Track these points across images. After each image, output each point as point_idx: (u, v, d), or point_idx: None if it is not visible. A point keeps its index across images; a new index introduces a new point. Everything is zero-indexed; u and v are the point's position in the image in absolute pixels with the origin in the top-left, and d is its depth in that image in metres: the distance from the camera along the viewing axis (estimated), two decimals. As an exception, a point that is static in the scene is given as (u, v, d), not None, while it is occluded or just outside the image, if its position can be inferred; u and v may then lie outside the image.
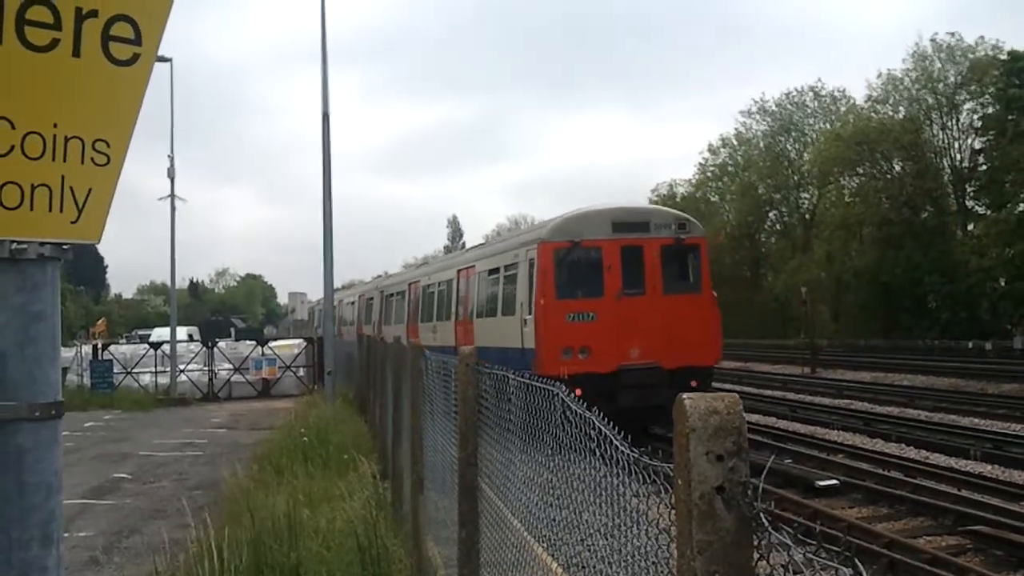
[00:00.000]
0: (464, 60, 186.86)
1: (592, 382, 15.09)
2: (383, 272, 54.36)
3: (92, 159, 2.40)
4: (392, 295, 32.15)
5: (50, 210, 2.33)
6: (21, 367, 2.29)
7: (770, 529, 1.52)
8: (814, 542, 1.46)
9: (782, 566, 1.52)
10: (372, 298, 36.60)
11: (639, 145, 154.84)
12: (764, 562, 1.59)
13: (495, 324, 19.55)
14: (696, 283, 18.27)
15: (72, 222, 2.38)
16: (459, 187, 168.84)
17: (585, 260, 17.52)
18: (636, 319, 16.89)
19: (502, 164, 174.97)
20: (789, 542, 1.48)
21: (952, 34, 50.13)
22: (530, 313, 17.49)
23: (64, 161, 2.34)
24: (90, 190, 2.41)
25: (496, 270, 20.15)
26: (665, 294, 17.48)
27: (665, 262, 17.81)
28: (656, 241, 17.74)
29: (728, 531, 1.58)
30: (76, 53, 2.31)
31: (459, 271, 23.27)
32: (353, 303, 41.21)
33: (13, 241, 2.28)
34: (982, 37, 49.20)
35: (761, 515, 1.54)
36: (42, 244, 2.32)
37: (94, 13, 2.33)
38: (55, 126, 2.32)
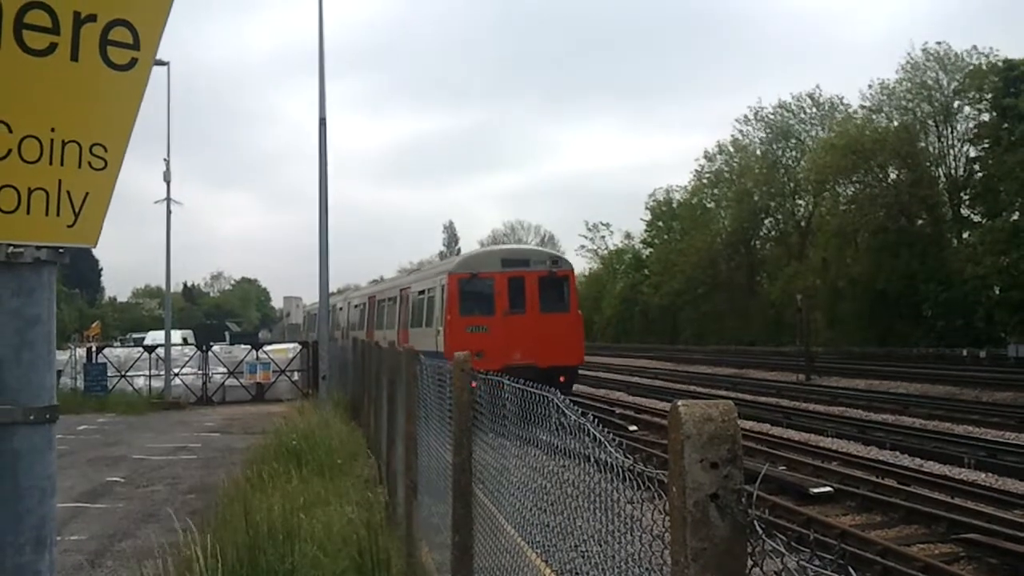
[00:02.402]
0: (463, 67, 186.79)
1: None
2: (380, 276, 55.00)
3: (89, 163, 2.40)
4: (357, 306, 37.56)
5: (47, 214, 2.33)
6: (16, 371, 2.29)
7: (764, 536, 1.53)
8: (808, 549, 1.47)
9: (776, 573, 1.52)
10: (342, 308, 40.80)
11: (636, 152, 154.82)
12: (758, 569, 1.59)
13: (421, 333, 24.54)
14: (565, 304, 23.64)
15: (69, 226, 2.38)
16: (457, 193, 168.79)
17: (481, 287, 23.05)
18: (518, 331, 22.00)
19: (500, 171, 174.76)
20: (783, 549, 1.48)
21: (940, 43, 50.44)
22: (441, 325, 23.03)
23: (61, 165, 2.34)
24: (87, 194, 2.40)
25: (423, 292, 25.93)
26: (541, 313, 22.84)
27: (541, 289, 23.20)
28: (534, 274, 23.26)
29: (722, 538, 1.59)
30: (74, 57, 2.32)
31: (401, 290, 29.25)
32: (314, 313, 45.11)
33: (9, 245, 2.28)
34: (974, 46, 49.48)
35: (755, 522, 1.55)
36: (38, 248, 2.32)
37: (92, 17, 2.33)
38: (53, 130, 2.32)
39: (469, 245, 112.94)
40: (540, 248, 31.65)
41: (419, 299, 26.24)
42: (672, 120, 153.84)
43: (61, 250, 2.38)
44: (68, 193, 2.37)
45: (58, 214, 2.35)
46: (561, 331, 22.46)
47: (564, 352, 22.26)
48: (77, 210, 2.39)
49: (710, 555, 1.58)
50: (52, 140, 2.32)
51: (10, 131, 2.25)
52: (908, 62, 51.28)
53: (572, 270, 25.29)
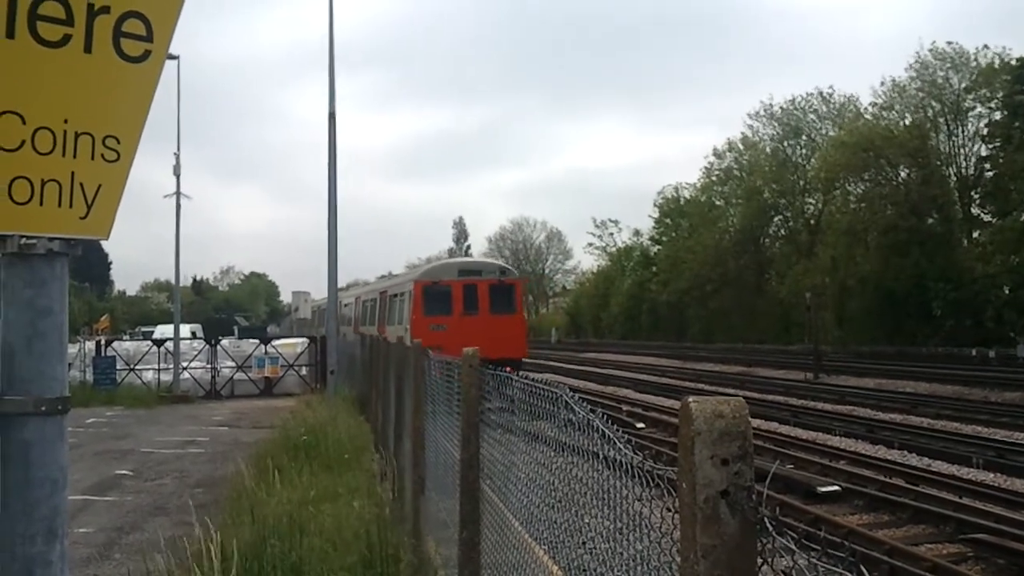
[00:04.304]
0: (471, 65, 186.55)
1: None
2: (388, 271, 55.54)
3: (102, 155, 2.40)
4: (347, 304, 41.13)
5: (59, 205, 2.34)
6: (28, 362, 2.30)
7: (774, 534, 1.52)
8: (818, 547, 1.46)
9: (783, 572, 1.52)
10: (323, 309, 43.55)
11: (643, 150, 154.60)
12: (767, 566, 1.59)
13: (394, 329, 28.02)
14: (512, 308, 27.87)
15: (81, 218, 2.39)
16: (466, 189, 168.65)
17: (441, 293, 27.07)
18: (471, 329, 24.50)
19: (507, 167, 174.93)
20: (793, 547, 1.48)
21: (950, 43, 50.22)
22: (409, 324, 26.80)
23: (74, 157, 2.35)
24: (100, 186, 2.41)
25: (396, 295, 30.66)
26: (491, 315, 26.66)
27: (491, 295, 27.21)
28: (486, 282, 27.52)
29: (732, 535, 1.58)
30: (87, 49, 2.32)
31: (380, 292, 34.23)
32: (319, 310, 47.92)
33: (22, 236, 2.29)
34: (985, 46, 49.28)
35: (766, 519, 1.54)
36: (51, 239, 2.33)
37: (106, 9, 2.33)
38: (66, 122, 2.32)
39: (478, 241, 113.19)
40: (492, 261, 37.50)
41: (393, 301, 31.14)
42: (679, 118, 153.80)
43: (73, 242, 2.39)
44: (81, 185, 2.37)
45: (71, 206, 2.36)
46: (508, 330, 26.37)
47: (510, 347, 25.23)
48: (90, 202, 2.39)
49: (720, 552, 1.58)
50: (65, 132, 2.32)
51: (24, 122, 2.26)
52: (917, 60, 51.14)
53: (519, 280, 30.78)
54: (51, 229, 2.33)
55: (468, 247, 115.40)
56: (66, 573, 2.35)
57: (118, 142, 2.43)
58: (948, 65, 50.09)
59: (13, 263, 2.31)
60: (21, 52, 2.22)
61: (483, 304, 27.18)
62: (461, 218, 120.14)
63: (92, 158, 2.38)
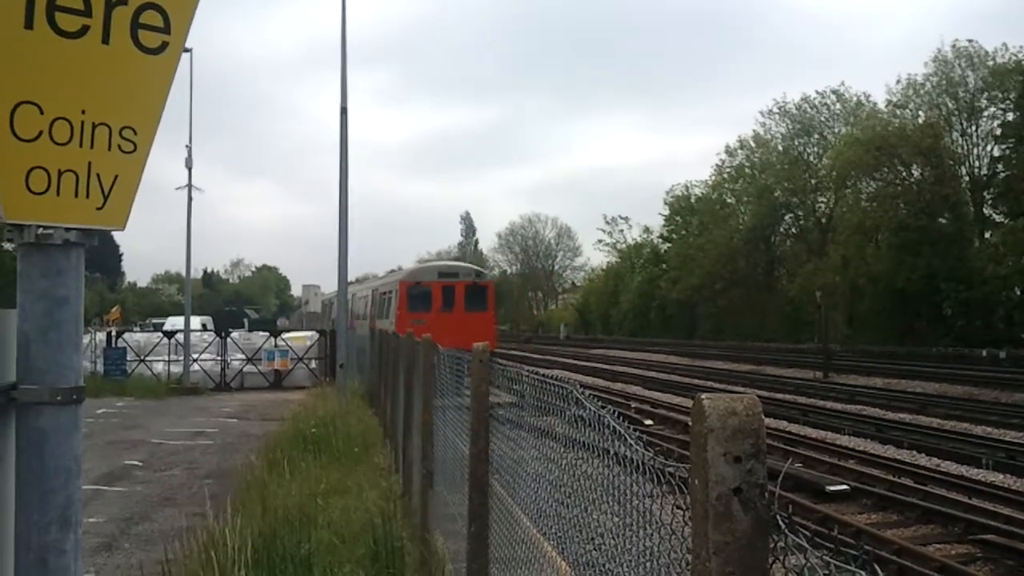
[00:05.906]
0: (484, 63, 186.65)
1: None
2: (398, 266, 56.01)
3: (119, 146, 2.41)
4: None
5: (76, 196, 2.35)
6: (44, 351, 2.31)
7: (787, 532, 1.52)
8: (831, 545, 1.46)
9: (795, 572, 1.52)
10: (332, 303, 46.66)
11: (655, 147, 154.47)
12: (779, 564, 1.58)
13: (382, 323, 30.96)
14: (484, 306, 31.48)
15: (98, 208, 2.40)
16: (477, 186, 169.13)
17: (423, 292, 30.99)
18: (448, 324, 26.85)
19: (518, 165, 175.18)
20: (806, 544, 1.47)
21: (971, 41, 49.95)
22: (394, 319, 29.92)
23: (91, 147, 2.36)
24: (116, 177, 2.42)
25: (385, 293, 34.99)
26: (466, 312, 30.28)
27: (466, 295, 31.13)
28: (462, 283, 31.59)
29: (744, 533, 1.57)
30: (105, 40, 2.33)
31: (372, 290, 39.12)
32: (328, 304, 52.07)
33: (39, 226, 2.30)
34: (1004, 44, 48.99)
35: (778, 517, 1.54)
36: (68, 230, 2.34)
37: (124, 1, 2.34)
38: (83, 112, 2.33)
39: (487, 237, 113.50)
40: (468, 265, 41.32)
41: (382, 298, 35.19)
42: (690, 117, 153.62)
43: (90, 232, 2.40)
44: (98, 176, 2.38)
45: (87, 196, 2.37)
46: (480, 326, 28.77)
47: (482, 341, 28.96)
48: (106, 193, 2.40)
49: (732, 549, 1.57)
50: (83, 122, 2.34)
51: (41, 112, 2.27)
52: (938, 56, 50.83)
53: (492, 282, 35.52)
54: (68, 219, 2.34)
55: (476, 241, 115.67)
56: (79, 562, 2.37)
57: (135, 133, 2.44)
58: (966, 63, 49.81)
59: (30, 253, 2.32)
60: (39, 43, 2.23)
61: (459, 303, 30.97)
62: (468, 212, 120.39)
63: (109, 149, 2.39)
